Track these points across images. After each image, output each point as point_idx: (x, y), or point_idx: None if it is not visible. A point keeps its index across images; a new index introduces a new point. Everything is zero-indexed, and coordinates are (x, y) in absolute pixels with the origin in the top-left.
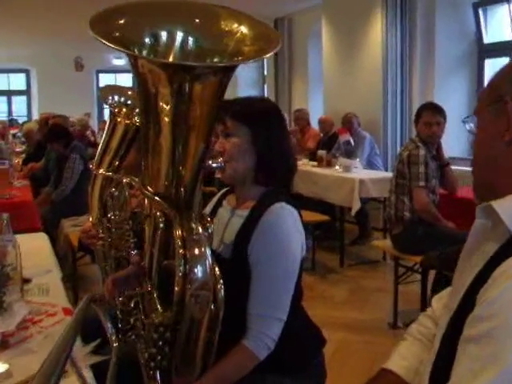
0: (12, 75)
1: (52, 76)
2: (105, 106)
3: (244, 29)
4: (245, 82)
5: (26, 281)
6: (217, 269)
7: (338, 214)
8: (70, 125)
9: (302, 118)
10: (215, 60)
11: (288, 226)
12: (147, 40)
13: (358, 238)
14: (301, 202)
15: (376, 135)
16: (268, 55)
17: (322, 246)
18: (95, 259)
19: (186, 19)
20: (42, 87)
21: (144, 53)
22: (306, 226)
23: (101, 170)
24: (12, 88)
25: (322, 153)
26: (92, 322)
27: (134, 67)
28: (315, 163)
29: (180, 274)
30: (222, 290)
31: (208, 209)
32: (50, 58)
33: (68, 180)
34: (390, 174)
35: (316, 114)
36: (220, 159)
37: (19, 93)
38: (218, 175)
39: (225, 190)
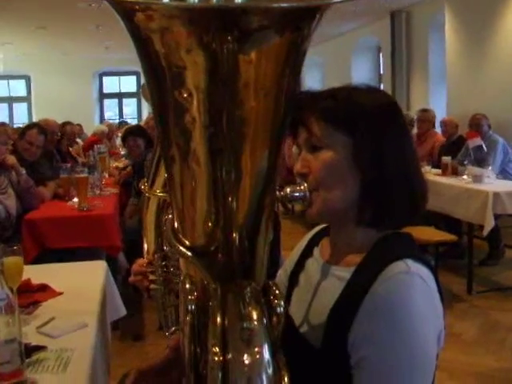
0: (123, 78)
1: None
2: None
3: None
4: (359, 82)
5: (39, 348)
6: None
7: (465, 229)
8: None
9: (427, 119)
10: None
11: (418, 304)
12: None
13: (487, 257)
14: (422, 216)
15: (509, 139)
16: None
17: (445, 265)
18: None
19: None
20: None
21: None
22: (426, 246)
23: (155, 192)
24: (123, 90)
25: (446, 159)
26: None
27: (133, 29)
28: (439, 171)
29: None
30: None
31: (293, 256)
32: None
33: None
34: None
35: (438, 115)
36: (303, 185)
37: (130, 95)
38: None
39: (319, 228)
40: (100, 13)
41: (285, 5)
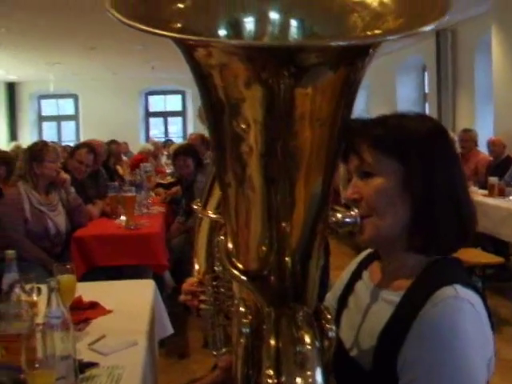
0: (169, 97)
1: None
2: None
3: None
4: (403, 101)
5: (91, 365)
6: None
7: None
8: None
9: (469, 139)
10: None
11: (466, 329)
12: (218, 28)
13: None
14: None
15: None
16: (427, 28)
17: (493, 287)
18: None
19: None
20: (196, 108)
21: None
22: (473, 268)
23: (207, 212)
24: (168, 109)
25: (493, 180)
26: None
27: (194, 64)
28: (485, 192)
29: None
30: None
31: (342, 279)
32: None
33: None
34: None
35: (485, 135)
36: (354, 211)
37: (175, 114)
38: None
39: (368, 252)
40: (147, 33)
41: (340, 43)
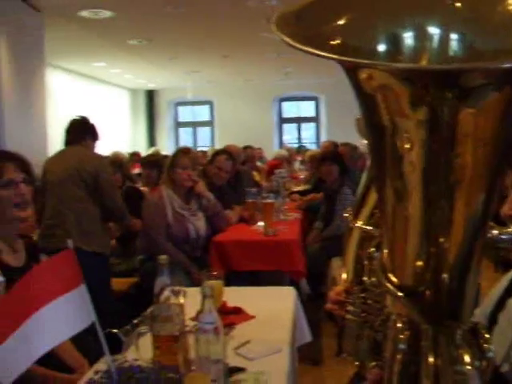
0: (302, 102)
1: (340, 103)
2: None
3: None
4: None
5: (239, 369)
6: None
7: None
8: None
9: None
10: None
11: None
12: (377, 43)
13: None
14: None
15: None
16: None
17: None
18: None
19: (438, 4)
20: (330, 114)
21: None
22: None
23: (358, 223)
24: (301, 115)
25: None
26: None
27: (356, 83)
28: None
29: None
30: None
31: (492, 296)
32: (337, 84)
33: (340, 216)
34: None
35: None
36: None
37: (308, 120)
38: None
39: None
40: (282, 41)
41: (505, 65)
